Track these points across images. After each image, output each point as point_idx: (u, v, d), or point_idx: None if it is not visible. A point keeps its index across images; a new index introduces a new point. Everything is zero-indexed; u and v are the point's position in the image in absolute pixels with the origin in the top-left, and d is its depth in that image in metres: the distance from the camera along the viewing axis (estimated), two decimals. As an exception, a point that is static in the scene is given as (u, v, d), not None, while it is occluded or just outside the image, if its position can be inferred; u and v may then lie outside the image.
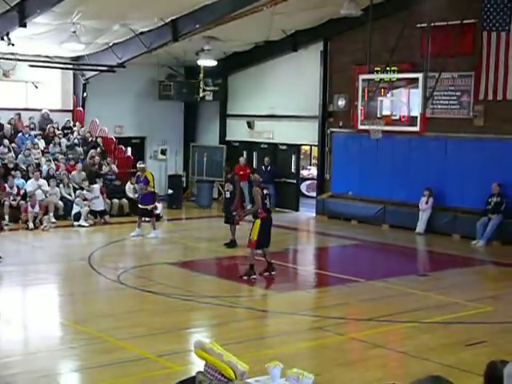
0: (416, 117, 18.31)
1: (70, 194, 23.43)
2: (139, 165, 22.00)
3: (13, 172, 23.21)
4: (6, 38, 21.31)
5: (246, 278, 15.85)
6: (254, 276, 15.87)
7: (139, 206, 21.22)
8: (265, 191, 16.33)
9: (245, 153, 28.20)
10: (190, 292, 14.59)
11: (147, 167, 22.37)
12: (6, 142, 24.67)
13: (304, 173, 29.70)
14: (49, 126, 26.36)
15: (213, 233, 21.32)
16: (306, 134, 26.51)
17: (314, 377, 7.72)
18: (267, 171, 26.88)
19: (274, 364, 7.88)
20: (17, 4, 19.70)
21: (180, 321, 12.71)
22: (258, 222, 15.81)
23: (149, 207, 20.92)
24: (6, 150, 24.26)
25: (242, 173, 24.93)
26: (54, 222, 22.03)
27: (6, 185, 22.61)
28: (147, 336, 11.54)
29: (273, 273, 16.09)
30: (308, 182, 29.44)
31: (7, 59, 24.07)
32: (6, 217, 20.75)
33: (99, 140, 26.73)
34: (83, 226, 22.37)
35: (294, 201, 27.11)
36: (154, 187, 21.42)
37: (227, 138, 29.35)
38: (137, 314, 13.08)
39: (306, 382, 7.74)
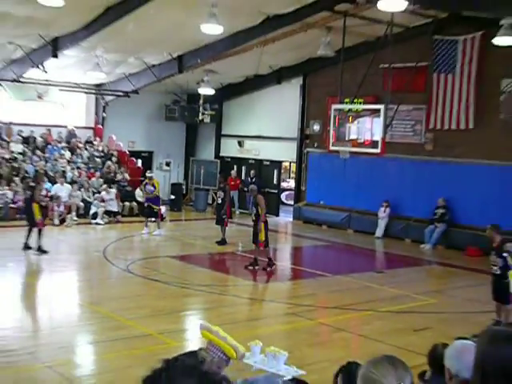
0: (377, 141, 18.41)
1: (89, 197, 23.41)
2: (148, 174, 22.10)
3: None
4: (41, 67, 21.38)
5: (269, 268, 16.13)
6: (273, 267, 16.31)
7: (145, 205, 21.23)
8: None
9: (235, 167, 28.27)
10: (186, 281, 14.59)
11: (154, 176, 22.42)
12: (38, 152, 24.68)
13: (284, 184, 29.72)
14: (74, 140, 26.34)
15: (207, 232, 21.28)
16: (286, 153, 26.58)
17: (287, 354, 7.77)
18: (253, 182, 26.91)
19: (254, 342, 7.92)
20: (51, 40, 19.78)
21: (178, 305, 12.73)
22: (263, 225, 16.06)
23: (155, 208, 20.93)
24: (38, 159, 24.24)
25: (232, 183, 25.45)
26: (75, 220, 22.04)
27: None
28: (150, 316, 11.58)
29: (256, 267, 16.12)
30: (287, 192, 29.48)
31: (41, 84, 24.07)
32: None
33: (115, 153, 26.76)
34: (99, 224, 22.34)
35: (275, 208, 27.04)
36: (159, 192, 21.54)
37: (221, 154, 29.34)
38: (142, 298, 13.09)
39: (281, 358, 7.78)
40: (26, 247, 16.70)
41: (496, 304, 11.57)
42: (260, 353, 7.88)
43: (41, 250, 16.48)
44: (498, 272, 11.21)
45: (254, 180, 26.96)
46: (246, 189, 19.59)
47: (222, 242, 19.25)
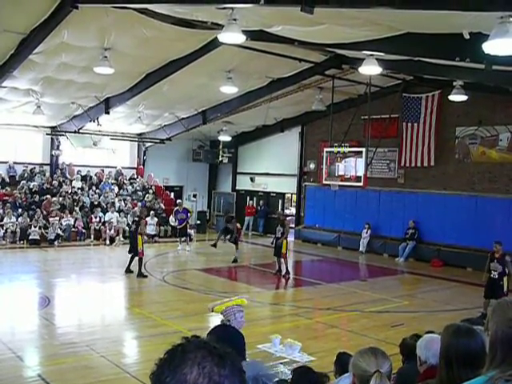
0: (360, 176, 18.44)
1: (132, 222, 23.40)
2: (178, 201, 23.12)
3: (97, 207, 23.29)
4: (96, 121, 21.62)
5: (287, 275, 16.52)
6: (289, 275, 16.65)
7: (178, 227, 21.44)
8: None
9: (248, 198, 28.31)
10: (209, 288, 14.57)
11: (183, 203, 23.02)
12: (93, 187, 24.84)
13: (287, 211, 29.62)
14: (121, 177, 26.49)
15: (226, 250, 21.22)
16: (288, 186, 26.57)
17: (301, 344, 7.81)
18: (262, 210, 27.12)
19: (275, 336, 8.06)
20: (104, 100, 20.03)
21: (203, 308, 12.59)
22: (285, 242, 16.60)
23: (183, 225, 21.12)
24: (93, 193, 24.40)
25: (249, 210, 26.99)
26: (122, 241, 22.02)
27: (93, 215, 22.66)
28: (181, 317, 11.57)
29: (282, 275, 16.58)
30: (289, 218, 29.32)
31: (96, 134, 24.29)
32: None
33: (153, 187, 26.85)
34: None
35: (280, 229, 27.02)
36: (191, 213, 22.67)
37: (237, 188, 29.36)
38: (175, 302, 13.07)
39: (296, 347, 7.86)
40: (128, 271, 15.83)
41: (484, 301, 11.88)
42: (279, 344, 7.98)
43: (141, 275, 15.51)
44: (496, 276, 11.86)
45: (262, 208, 27.13)
46: (274, 215, 19.19)
47: (235, 260, 18.75)
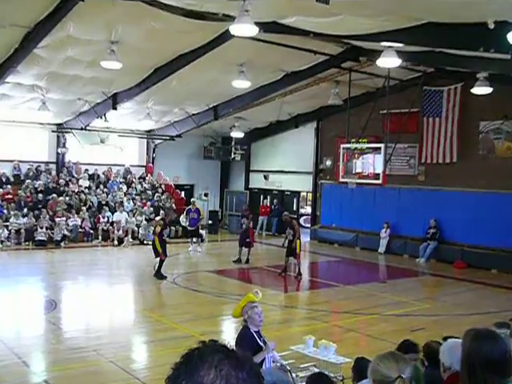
0: (379, 173, 18.37)
1: (142, 222, 23.48)
2: (192, 199, 22.97)
3: (105, 207, 23.40)
4: (103, 117, 21.72)
5: (299, 276, 16.55)
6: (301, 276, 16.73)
7: (189, 228, 21.42)
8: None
9: (262, 197, 28.31)
10: (222, 291, 14.59)
11: (197, 202, 22.97)
12: (101, 186, 24.96)
13: (302, 210, 29.62)
14: (129, 176, 26.59)
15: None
16: (303, 184, 26.55)
17: (336, 346, 7.85)
18: (276, 209, 27.09)
19: (308, 336, 8.15)
20: (111, 96, 20.13)
21: (215, 310, 12.70)
22: (299, 242, 16.70)
23: (194, 227, 21.18)
24: (101, 192, 24.50)
25: (263, 210, 27.11)
26: (131, 241, 22.10)
27: (100, 215, 22.77)
28: (193, 320, 11.58)
29: (299, 277, 16.61)
30: (305, 217, 29.30)
31: (104, 131, 24.43)
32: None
33: (163, 186, 26.92)
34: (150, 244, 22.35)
35: (295, 229, 27.01)
36: (203, 216, 22.70)
37: (250, 186, 29.39)
38: (186, 305, 13.12)
39: (331, 349, 7.87)
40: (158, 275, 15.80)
41: None
42: (313, 346, 8.05)
43: (159, 277, 15.64)
44: None
45: (277, 207, 27.10)
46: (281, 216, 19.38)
47: (238, 261, 18.73)
